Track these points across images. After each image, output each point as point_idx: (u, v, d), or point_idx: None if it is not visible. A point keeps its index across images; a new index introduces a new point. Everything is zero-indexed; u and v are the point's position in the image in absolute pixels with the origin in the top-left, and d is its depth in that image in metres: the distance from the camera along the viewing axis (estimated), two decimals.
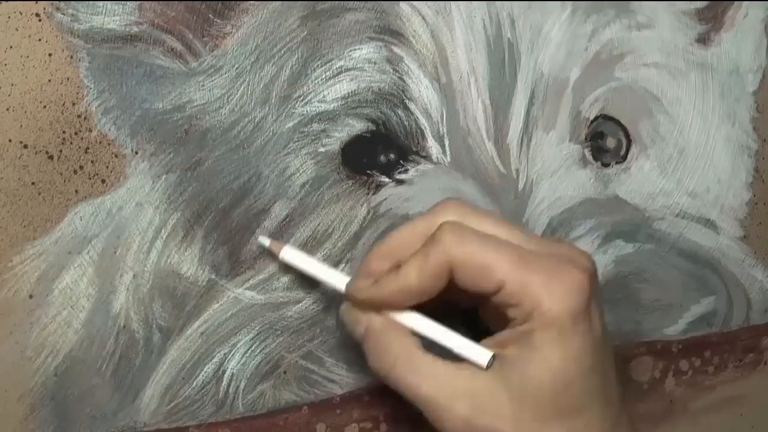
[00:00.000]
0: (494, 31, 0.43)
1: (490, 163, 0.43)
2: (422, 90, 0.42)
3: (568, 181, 0.45)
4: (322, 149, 0.41)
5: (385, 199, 0.42)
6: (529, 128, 0.44)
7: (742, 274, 0.50)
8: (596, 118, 0.46)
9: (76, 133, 0.37)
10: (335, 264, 0.41)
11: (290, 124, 0.40)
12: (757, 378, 0.52)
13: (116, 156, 0.38)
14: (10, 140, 0.36)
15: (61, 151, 0.37)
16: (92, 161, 0.38)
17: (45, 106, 0.36)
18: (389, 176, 0.42)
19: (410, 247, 0.36)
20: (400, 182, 0.42)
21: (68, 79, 0.37)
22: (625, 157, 0.47)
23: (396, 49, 0.41)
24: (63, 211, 0.37)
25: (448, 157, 0.43)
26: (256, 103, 0.40)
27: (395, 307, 0.36)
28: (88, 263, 0.38)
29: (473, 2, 0.42)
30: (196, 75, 0.39)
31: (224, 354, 0.40)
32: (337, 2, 0.40)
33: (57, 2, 0.36)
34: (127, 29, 0.37)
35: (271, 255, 0.40)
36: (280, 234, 0.41)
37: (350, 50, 0.41)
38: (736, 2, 0.49)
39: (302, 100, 0.40)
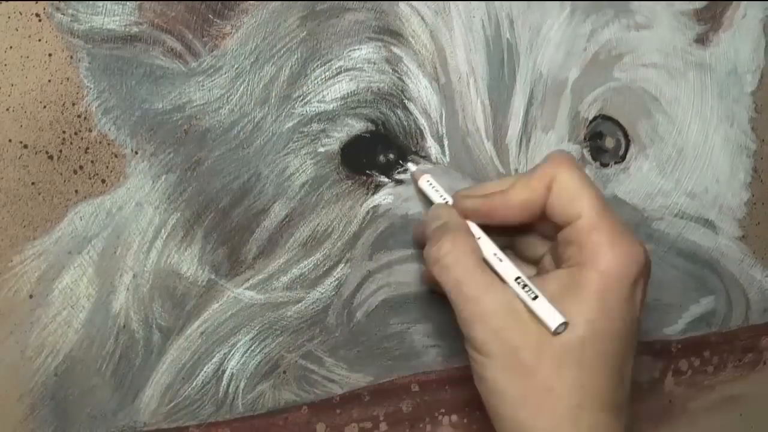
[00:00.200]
0: (493, 32, 0.43)
1: (489, 163, 0.43)
2: (421, 90, 0.42)
3: None
4: (321, 149, 0.41)
5: (385, 199, 0.42)
6: (528, 128, 0.44)
7: (741, 274, 0.50)
8: (595, 118, 0.46)
9: (76, 133, 0.37)
10: (335, 264, 0.42)
11: (290, 124, 0.40)
12: (757, 378, 0.52)
13: (116, 156, 0.38)
14: (10, 140, 0.36)
15: (61, 151, 0.37)
16: (92, 161, 0.38)
17: (45, 106, 0.36)
18: (388, 176, 0.42)
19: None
20: (400, 182, 0.42)
21: (68, 79, 0.37)
22: (623, 157, 0.47)
23: (395, 50, 0.41)
24: (63, 211, 0.37)
25: (447, 157, 0.43)
26: (256, 103, 0.40)
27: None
28: (88, 263, 0.38)
29: (472, 2, 0.42)
30: (196, 75, 0.39)
31: (224, 354, 0.40)
32: (337, 2, 0.40)
33: (57, 2, 0.36)
34: (127, 29, 0.37)
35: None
36: (280, 234, 0.41)
37: (349, 50, 0.41)
38: (734, 3, 0.49)
39: (302, 100, 0.40)
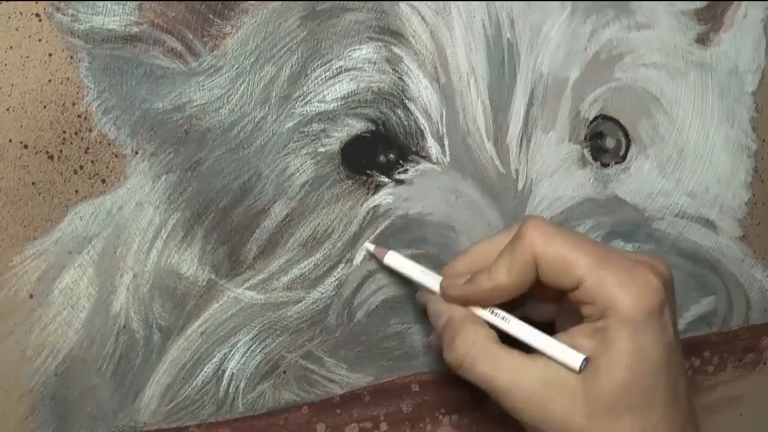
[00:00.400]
0: (494, 32, 0.43)
1: (490, 163, 0.43)
2: (422, 90, 0.42)
3: (568, 181, 0.45)
4: (321, 149, 0.41)
5: (385, 199, 0.42)
6: (528, 128, 0.44)
7: (741, 274, 0.50)
8: (596, 118, 0.46)
9: (76, 133, 0.37)
10: (335, 264, 0.42)
11: (290, 124, 0.40)
12: (757, 378, 0.52)
13: (116, 156, 0.38)
14: (10, 140, 0.36)
15: (61, 151, 0.37)
16: (92, 161, 0.38)
17: (45, 106, 0.36)
18: (389, 176, 0.42)
19: (491, 257, 0.37)
20: (400, 182, 0.42)
21: (68, 79, 0.37)
22: (624, 157, 0.47)
23: (395, 50, 0.41)
24: (63, 211, 0.37)
25: (448, 157, 0.43)
26: (256, 103, 0.40)
27: (486, 304, 0.37)
28: (88, 263, 0.38)
29: (473, 2, 0.42)
30: (196, 75, 0.39)
31: (224, 354, 0.40)
32: (337, 2, 0.40)
33: (57, 2, 0.36)
34: (127, 29, 0.37)
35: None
36: (281, 234, 0.41)
37: (350, 50, 0.41)
38: (735, 2, 0.49)
39: (302, 100, 0.40)
